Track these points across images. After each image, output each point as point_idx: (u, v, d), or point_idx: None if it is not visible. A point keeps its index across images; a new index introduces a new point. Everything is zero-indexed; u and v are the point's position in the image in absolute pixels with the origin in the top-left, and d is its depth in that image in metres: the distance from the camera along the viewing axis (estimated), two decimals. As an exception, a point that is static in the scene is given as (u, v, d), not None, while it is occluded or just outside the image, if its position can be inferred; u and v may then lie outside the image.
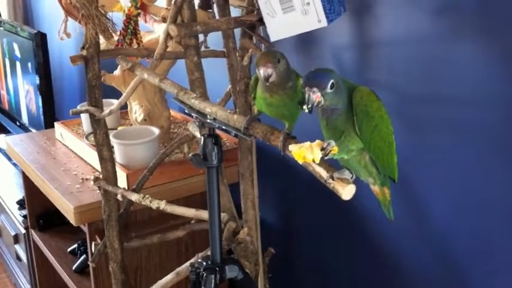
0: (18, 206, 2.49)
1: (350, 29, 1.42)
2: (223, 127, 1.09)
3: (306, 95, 0.86)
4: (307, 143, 0.86)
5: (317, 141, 0.86)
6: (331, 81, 0.85)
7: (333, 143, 0.85)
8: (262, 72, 0.98)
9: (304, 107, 0.86)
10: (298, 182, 1.71)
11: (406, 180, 1.33)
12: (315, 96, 0.85)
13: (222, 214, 1.29)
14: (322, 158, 0.85)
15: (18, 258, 2.58)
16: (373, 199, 1.03)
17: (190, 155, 1.15)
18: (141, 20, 1.55)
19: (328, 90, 0.85)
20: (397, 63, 1.34)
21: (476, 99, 1.19)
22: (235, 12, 1.38)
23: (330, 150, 0.84)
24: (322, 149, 0.85)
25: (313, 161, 0.85)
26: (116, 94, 1.67)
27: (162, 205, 1.36)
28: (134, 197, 1.42)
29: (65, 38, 1.45)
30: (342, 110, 0.88)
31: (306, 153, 0.85)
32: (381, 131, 0.90)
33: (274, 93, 1.02)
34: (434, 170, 1.31)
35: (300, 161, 0.86)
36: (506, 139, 1.15)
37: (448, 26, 1.22)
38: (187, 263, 1.33)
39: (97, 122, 1.42)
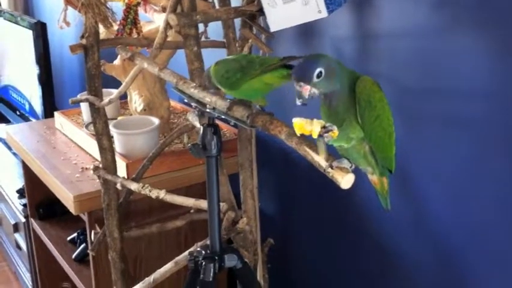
0: (18, 195, 2.50)
1: (350, 20, 1.42)
2: (223, 116, 1.09)
3: (295, 89, 0.86)
4: (310, 119, 0.86)
5: (320, 120, 0.86)
6: (318, 70, 0.84)
7: (335, 127, 0.85)
8: None
9: (297, 101, 0.86)
10: (297, 172, 1.71)
11: (404, 171, 1.33)
12: (304, 89, 0.85)
13: (222, 204, 1.30)
14: (320, 136, 0.85)
15: (18, 247, 2.59)
16: (371, 190, 1.03)
17: (189, 145, 1.15)
18: (141, 10, 1.55)
19: (315, 80, 0.84)
20: (396, 56, 1.34)
21: (475, 92, 1.19)
22: (235, 2, 1.38)
23: (331, 130, 0.84)
24: (324, 127, 0.85)
25: (311, 134, 0.85)
26: (116, 84, 1.67)
27: (162, 194, 1.36)
28: (134, 186, 1.42)
29: (65, 27, 1.45)
30: (343, 96, 0.88)
31: (306, 125, 0.85)
32: (382, 122, 0.90)
33: None
34: (432, 162, 1.31)
35: (298, 132, 0.86)
36: (504, 132, 1.16)
37: (448, 18, 1.22)
38: (186, 252, 1.34)
39: (97, 111, 1.42)
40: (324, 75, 0.85)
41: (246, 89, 1.06)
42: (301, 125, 0.85)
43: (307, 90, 0.85)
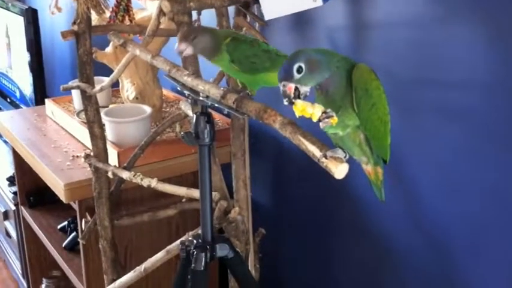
0: (8, 182, 2.48)
1: (346, 9, 1.41)
2: (216, 105, 1.08)
3: (281, 90, 0.85)
4: (312, 103, 0.86)
5: (321, 105, 0.85)
6: (296, 65, 0.84)
7: (334, 113, 0.84)
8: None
9: (284, 101, 0.86)
10: (290, 162, 1.70)
11: (399, 162, 1.33)
12: (287, 88, 0.84)
13: (214, 193, 1.29)
14: (319, 120, 0.84)
15: (8, 234, 2.58)
16: (364, 181, 1.03)
17: (182, 133, 1.14)
18: (133, -3, 1.53)
19: (296, 76, 0.84)
20: (392, 45, 1.33)
21: (471, 82, 1.19)
22: (229, -11, 1.36)
23: (331, 116, 0.84)
24: (325, 112, 0.84)
25: (311, 118, 0.84)
26: (108, 71, 1.66)
27: (153, 183, 1.35)
28: (125, 174, 1.41)
29: (56, 12, 1.43)
30: (339, 84, 0.87)
31: (307, 107, 0.84)
32: (378, 110, 0.89)
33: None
34: (428, 153, 1.31)
35: (298, 114, 0.85)
36: (500, 123, 1.15)
37: (445, 8, 1.21)
38: (178, 241, 1.33)
39: (88, 99, 1.41)
40: (306, 69, 0.84)
41: (263, 78, 1.09)
42: (302, 107, 0.84)
43: (291, 89, 0.84)
